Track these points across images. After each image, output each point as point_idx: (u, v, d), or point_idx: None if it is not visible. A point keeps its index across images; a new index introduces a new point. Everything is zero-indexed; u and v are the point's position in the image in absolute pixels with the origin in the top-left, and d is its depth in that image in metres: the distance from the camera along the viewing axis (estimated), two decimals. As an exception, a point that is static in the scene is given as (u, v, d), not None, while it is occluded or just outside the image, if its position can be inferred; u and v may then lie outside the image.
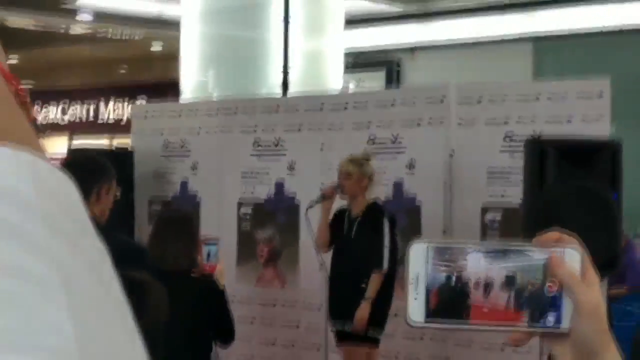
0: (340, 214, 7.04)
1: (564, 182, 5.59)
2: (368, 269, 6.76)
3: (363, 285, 6.76)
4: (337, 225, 7.02)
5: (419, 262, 1.24)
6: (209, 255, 5.65)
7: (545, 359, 5.43)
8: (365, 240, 6.79)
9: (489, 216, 6.95)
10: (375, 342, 6.89)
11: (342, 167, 6.93)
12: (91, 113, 19.56)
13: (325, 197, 6.95)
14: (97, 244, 0.72)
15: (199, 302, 5.10)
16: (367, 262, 6.77)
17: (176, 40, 12.21)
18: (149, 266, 4.39)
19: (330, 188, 6.97)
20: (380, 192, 7.30)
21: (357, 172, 6.89)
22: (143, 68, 18.53)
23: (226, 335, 5.36)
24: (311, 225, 7.04)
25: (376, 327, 6.81)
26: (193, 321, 4.82)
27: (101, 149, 9.97)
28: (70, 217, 0.70)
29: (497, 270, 1.23)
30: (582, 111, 6.58)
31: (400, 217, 7.12)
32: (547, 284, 1.24)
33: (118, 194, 4.61)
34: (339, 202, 7.06)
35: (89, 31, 16.46)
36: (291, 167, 7.87)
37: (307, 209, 7.09)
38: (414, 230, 7.07)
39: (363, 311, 6.72)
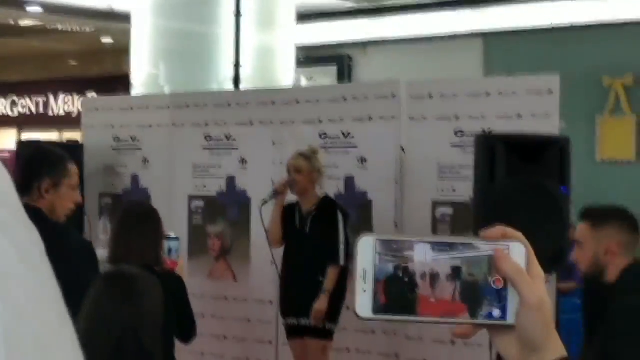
0: (290, 209, 7.05)
1: (513, 178, 5.64)
2: (324, 263, 6.78)
3: (320, 279, 6.78)
4: (288, 220, 7.03)
5: (367, 256, 1.25)
6: (170, 250, 5.63)
7: (495, 353, 5.48)
8: (320, 234, 6.81)
9: (440, 211, 6.99)
10: (330, 335, 6.91)
11: (291, 162, 6.94)
12: (41, 106, 19.37)
13: (278, 193, 6.95)
14: (28, 230, 0.73)
15: (166, 298, 5.06)
16: (323, 256, 6.78)
17: (127, 33, 12.13)
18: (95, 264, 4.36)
19: (282, 184, 6.97)
20: (332, 187, 7.32)
21: (307, 167, 6.91)
22: (93, 61, 18.39)
23: (189, 331, 5.33)
24: (263, 221, 7.03)
25: (331, 320, 6.83)
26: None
27: (51, 142, 9.86)
28: (2, 202, 0.71)
29: (444, 262, 1.25)
30: (531, 107, 6.63)
31: (352, 212, 7.14)
32: (493, 277, 1.25)
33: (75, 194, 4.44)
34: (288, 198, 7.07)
35: (39, 24, 16.30)
36: (243, 162, 7.86)
37: (260, 206, 7.08)
38: (366, 225, 7.10)
39: (322, 304, 6.73)
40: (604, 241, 4.42)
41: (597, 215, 4.55)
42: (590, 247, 4.47)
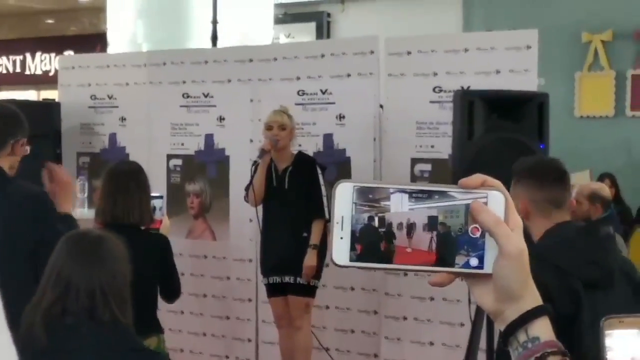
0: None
1: (492, 134, 5.63)
2: (307, 218, 6.76)
3: (305, 235, 6.75)
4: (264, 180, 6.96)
5: (345, 203, 1.23)
6: (154, 209, 5.61)
7: (474, 308, 5.50)
8: (301, 190, 6.78)
9: (419, 168, 6.99)
10: (313, 292, 6.91)
11: (276, 119, 6.88)
12: (18, 65, 19.25)
13: (265, 152, 6.88)
14: None
15: (150, 257, 5.05)
16: (305, 211, 6.76)
17: (104, -9, 12.03)
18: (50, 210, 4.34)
19: (269, 142, 6.88)
20: (311, 144, 7.30)
21: (289, 124, 6.89)
22: (70, 20, 18.26)
23: (172, 290, 5.31)
24: (253, 183, 6.93)
25: (315, 277, 6.82)
26: (145, 276, 4.73)
27: (27, 101, 9.79)
28: None
29: (420, 211, 1.24)
30: (510, 63, 6.62)
31: (331, 169, 7.13)
32: (471, 226, 1.24)
33: (28, 149, 4.53)
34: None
35: (15, -18, 16.16)
36: (220, 119, 7.82)
37: (252, 167, 6.95)
38: (344, 182, 7.08)
39: (311, 259, 6.70)
40: (517, 201, 3.69)
41: (518, 170, 3.98)
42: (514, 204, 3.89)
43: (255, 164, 6.87)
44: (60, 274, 3.26)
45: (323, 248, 6.74)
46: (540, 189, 3.86)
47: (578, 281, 3.59)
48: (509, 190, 1.27)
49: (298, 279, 6.80)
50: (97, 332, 3.19)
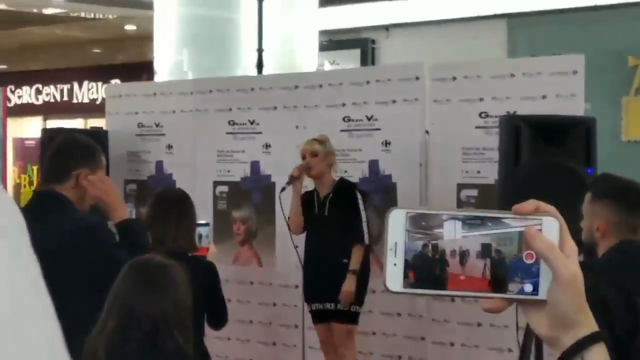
0: (307, 196, 7.04)
1: (538, 159, 5.61)
2: (347, 245, 6.76)
3: (344, 261, 6.76)
4: (306, 207, 7.01)
5: (398, 230, 1.24)
6: (200, 236, 5.62)
7: (522, 333, 5.46)
8: (340, 216, 6.80)
9: (465, 194, 6.97)
10: (355, 318, 6.91)
11: (306, 147, 6.94)
12: (65, 94, 19.45)
13: (295, 178, 6.92)
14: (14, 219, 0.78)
15: (199, 284, 5.02)
16: (345, 238, 6.77)
17: (150, 20, 12.15)
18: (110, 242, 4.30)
19: (297, 168, 6.94)
20: (356, 170, 7.31)
21: (322, 150, 6.90)
22: (117, 49, 18.43)
23: (220, 318, 5.30)
24: (283, 209, 7.01)
25: (357, 303, 6.82)
26: (193, 303, 4.69)
27: (75, 130, 9.89)
28: None
29: (474, 238, 1.24)
30: (556, 88, 6.59)
31: (376, 195, 7.14)
32: (525, 252, 1.24)
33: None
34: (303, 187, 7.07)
35: (62, 12, 16.35)
36: (266, 146, 7.86)
37: (279, 193, 7.06)
38: (390, 209, 7.07)
39: (350, 285, 6.71)
40: (596, 217, 4.03)
41: (598, 187, 4.15)
42: (587, 219, 4.08)
43: (283, 190, 6.93)
44: (123, 303, 3.26)
45: (363, 274, 6.74)
46: (620, 213, 3.97)
47: (637, 296, 3.63)
48: (565, 216, 1.27)
49: (339, 305, 6.80)
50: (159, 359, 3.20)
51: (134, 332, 3.22)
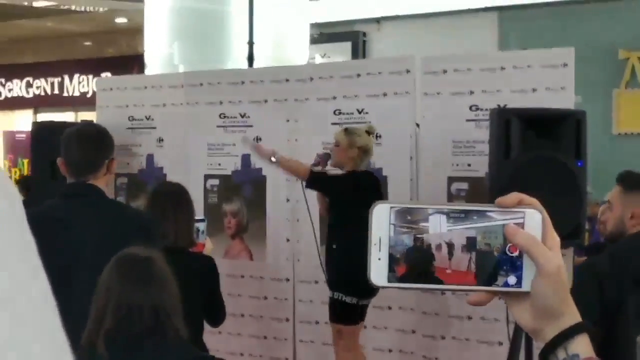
0: None
1: (529, 152, 5.62)
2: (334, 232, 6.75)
3: (334, 247, 6.72)
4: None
5: (382, 224, 1.24)
6: (197, 232, 5.59)
7: (512, 327, 5.47)
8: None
9: (455, 187, 6.98)
10: (342, 318, 6.84)
11: (334, 135, 6.88)
12: (56, 87, 19.42)
13: (315, 166, 6.86)
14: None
15: (198, 280, 4.98)
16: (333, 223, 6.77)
17: (140, 13, 12.14)
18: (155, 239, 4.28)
19: (318, 156, 6.91)
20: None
21: (344, 141, 6.74)
22: (108, 42, 18.41)
23: (218, 314, 5.26)
24: (307, 199, 6.99)
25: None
26: (192, 299, 4.66)
27: (66, 123, 9.85)
28: None
29: (459, 232, 1.24)
30: (547, 81, 6.60)
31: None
32: (509, 245, 1.25)
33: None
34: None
35: (53, 4, 16.31)
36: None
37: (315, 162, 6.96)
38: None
39: None
40: (630, 206, 4.66)
41: (630, 180, 4.78)
42: (618, 209, 4.71)
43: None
44: (120, 298, 3.26)
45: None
46: None
47: (630, 274, 4.20)
48: (546, 209, 1.27)
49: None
50: (162, 347, 3.22)
51: (135, 325, 3.23)
